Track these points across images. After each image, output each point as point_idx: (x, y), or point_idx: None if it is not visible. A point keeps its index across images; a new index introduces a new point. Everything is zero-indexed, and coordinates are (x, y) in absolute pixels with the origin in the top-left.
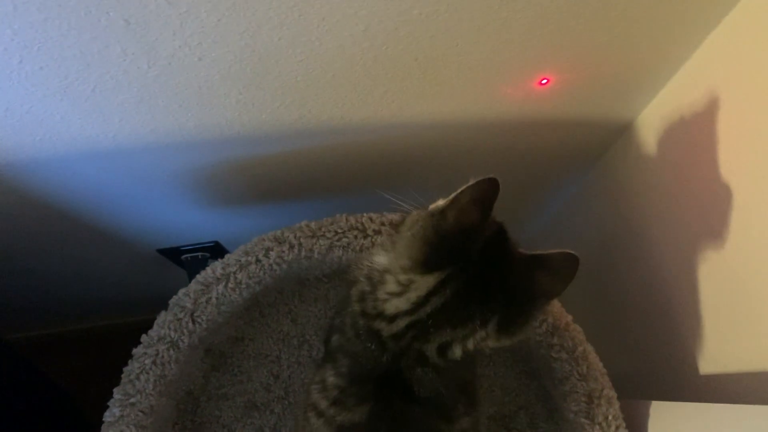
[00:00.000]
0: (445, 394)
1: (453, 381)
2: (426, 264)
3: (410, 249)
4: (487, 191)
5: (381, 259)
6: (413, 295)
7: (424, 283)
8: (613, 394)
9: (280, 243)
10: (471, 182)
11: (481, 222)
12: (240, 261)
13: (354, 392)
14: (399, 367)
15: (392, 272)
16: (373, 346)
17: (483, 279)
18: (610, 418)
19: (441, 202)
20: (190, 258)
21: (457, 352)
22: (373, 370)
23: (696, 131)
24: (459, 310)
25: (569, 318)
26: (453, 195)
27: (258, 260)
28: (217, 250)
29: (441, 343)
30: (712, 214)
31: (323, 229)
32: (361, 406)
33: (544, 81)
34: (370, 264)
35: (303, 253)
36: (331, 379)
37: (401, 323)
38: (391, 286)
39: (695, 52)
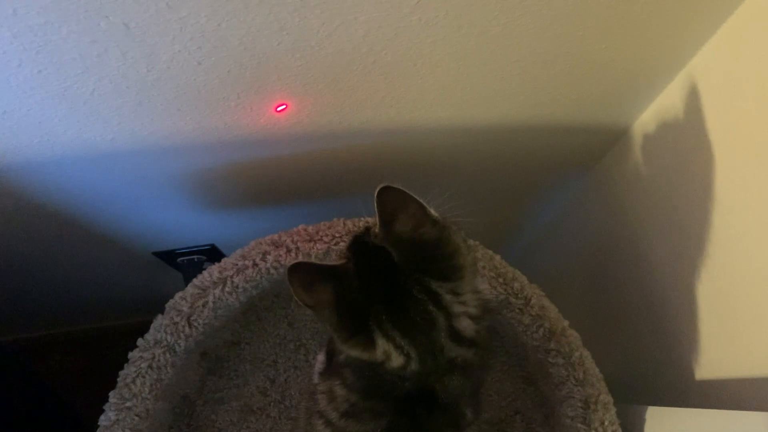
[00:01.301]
0: (466, 396)
1: (477, 379)
2: (366, 343)
3: (349, 347)
4: (302, 276)
5: (345, 354)
6: (393, 353)
7: (382, 347)
8: (609, 399)
9: (277, 247)
10: (287, 275)
11: (334, 280)
12: (237, 265)
13: (368, 407)
14: (428, 382)
15: (364, 356)
16: (395, 380)
17: (392, 290)
18: (606, 423)
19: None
20: (186, 261)
21: (464, 324)
22: (394, 392)
23: (692, 137)
24: (414, 320)
25: (566, 323)
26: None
27: (255, 264)
28: (213, 254)
29: (447, 335)
30: (707, 220)
31: (320, 233)
32: (377, 420)
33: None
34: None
35: (300, 257)
36: (340, 391)
37: (415, 364)
38: (379, 357)
39: (691, 59)
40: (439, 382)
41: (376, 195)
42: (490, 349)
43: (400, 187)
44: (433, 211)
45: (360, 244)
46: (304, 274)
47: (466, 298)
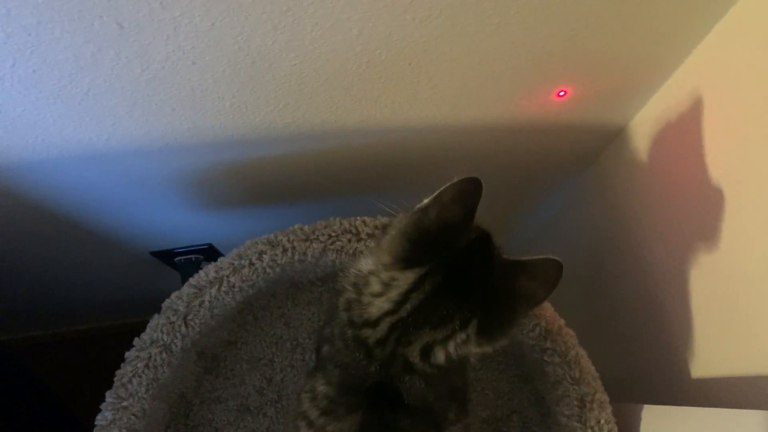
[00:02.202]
0: (433, 403)
1: (442, 388)
2: (406, 260)
3: (391, 246)
4: (470, 191)
5: (366, 262)
6: (394, 293)
7: (405, 279)
8: (605, 397)
9: (273, 246)
10: (454, 180)
11: (464, 221)
12: (233, 264)
13: (344, 402)
14: (389, 376)
15: (376, 273)
16: (361, 356)
17: (463, 278)
18: (602, 421)
19: (426, 201)
20: (184, 260)
21: (439, 355)
22: (363, 381)
23: (687, 136)
24: (438, 308)
25: (562, 322)
26: (436, 193)
27: (251, 263)
28: (210, 253)
29: (423, 346)
30: (703, 218)
31: (317, 233)
32: (352, 416)
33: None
34: (356, 271)
35: (296, 257)
36: (321, 388)
37: (384, 326)
38: (375, 286)
39: (687, 58)
40: (401, 380)
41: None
42: (461, 369)
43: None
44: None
45: (483, 232)
46: (468, 193)
47: (467, 351)
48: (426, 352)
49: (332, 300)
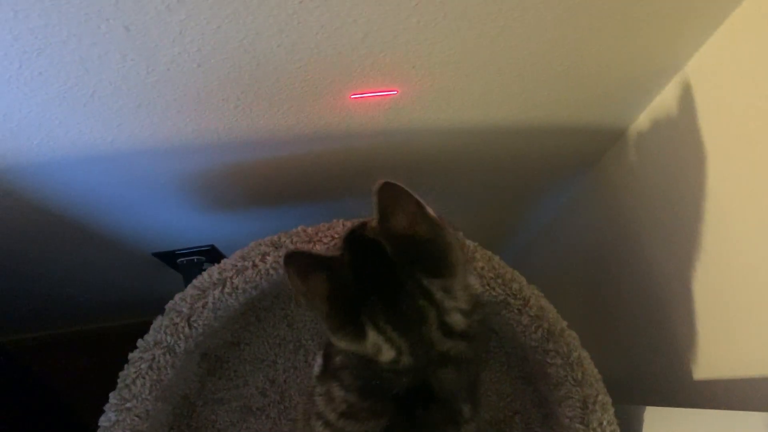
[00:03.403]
0: (462, 390)
1: (472, 373)
2: (349, 323)
3: (328, 323)
4: (299, 265)
5: (339, 343)
6: (384, 347)
7: (373, 338)
8: (607, 399)
9: (276, 248)
10: (284, 261)
11: (328, 270)
12: (236, 266)
13: (367, 407)
14: (423, 379)
15: (354, 350)
16: (391, 375)
17: (385, 281)
18: (604, 423)
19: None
20: (186, 262)
21: (456, 319)
22: (391, 390)
23: (688, 139)
24: (404, 313)
25: (564, 324)
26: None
27: (254, 265)
28: (212, 254)
29: (439, 330)
30: (705, 221)
31: (320, 234)
32: (376, 419)
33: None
34: (341, 354)
35: None
36: (338, 393)
37: (407, 357)
38: (371, 351)
39: (688, 62)
40: (434, 375)
41: (375, 189)
42: (484, 342)
43: (400, 184)
44: (430, 210)
45: (355, 237)
46: (300, 262)
47: (456, 294)
48: (446, 328)
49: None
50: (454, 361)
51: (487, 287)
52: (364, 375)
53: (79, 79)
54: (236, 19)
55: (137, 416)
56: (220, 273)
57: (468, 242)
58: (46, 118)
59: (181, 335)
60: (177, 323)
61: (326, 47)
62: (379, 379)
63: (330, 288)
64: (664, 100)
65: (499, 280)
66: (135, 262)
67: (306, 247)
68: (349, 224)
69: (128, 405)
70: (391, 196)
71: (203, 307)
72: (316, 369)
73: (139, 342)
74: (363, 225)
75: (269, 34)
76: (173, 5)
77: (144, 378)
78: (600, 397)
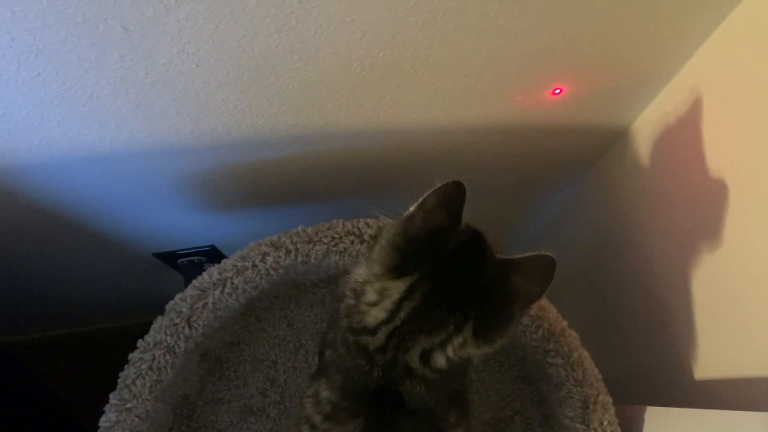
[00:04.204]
0: (434, 406)
1: (443, 393)
2: (396, 269)
3: (381, 256)
4: (453, 194)
5: (361, 271)
6: (388, 303)
7: (396, 288)
8: (608, 399)
9: (276, 248)
10: (437, 185)
11: (451, 225)
12: (236, 266)
13: (346, 407)
14: (390, 380)
15: (370, 282)
16: (363, 362)
17: (454, 282)
18: (605, 423)
19: (411, 209)
20: (187, 262)
21: (439, 360)
22: (366, 386)
23: (690, 138)
24: (432, 313)
25: (565, 323)
26: (420, 199)
27: (254, 265)
28: (213, 254)
29: (422, 351)
30: (705, 220)
31: (320, 234)
32: (354, 420)
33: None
34: (353, 278)
35: (299, 259)
36: (324, 393)
37: (382, 334)
38: (370, 296)
39: (689, 61)
40: (402, 384)
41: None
42: (462, 373)
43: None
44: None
45: (475, 231)
46: (452, 197)
47: (461, 354)
48: (426, 358)
49: (334, 305)
50: (422, 381)
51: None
52: (345, 365)
53: (77, 80)
54: (234, 19)
55: (137, 417)
56: (220, 273)
57: None
58: (44, 118)
59: (181, 335)
60: (177, 324)
61: (324, 47)
62: (355, 368)
63: (434, 231)
64: (664, 100)
65: None
66: (135, 262)
67: (306, 247)
68: (349, 224)
69: (128, 405)
70: (542, 265)
71: (203, 307)
72: (313, 369)
73: (139, 342)
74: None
75: (267, 35)
76: (171, 5)
77: (144, 378)
78: (600, 397)
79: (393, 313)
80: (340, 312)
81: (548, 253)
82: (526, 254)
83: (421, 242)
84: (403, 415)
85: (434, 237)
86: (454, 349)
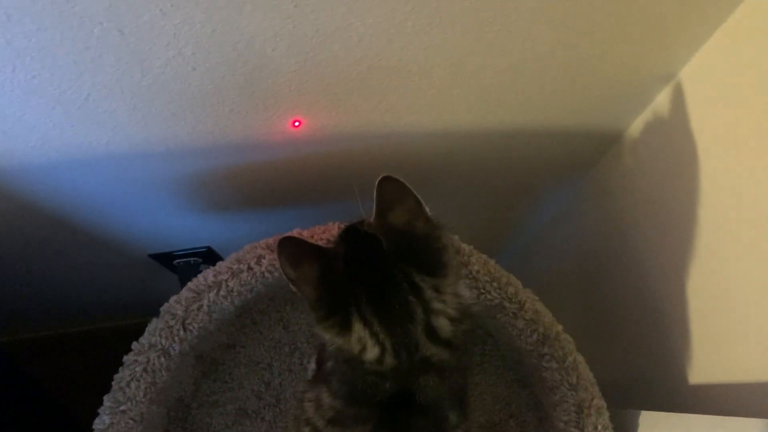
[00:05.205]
0: (443, 401)
1: (455, 382)
2: (335, 312)
3: (324, 330)
4: (290, 251)
5: (321, 334)
6: (368, 342)
7: (358, 331)
8: (602, 403)
9: (272, 251)
10: (277, 251)
11: (319, 261)
12: (232, 268)
13: (352, 414)
14: (406, 384)
15: (336, 341)
16: (374, 378)
17: (374, 279)
18: (599, 427)
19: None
20: (183, 263)
21: (441, 322)
22: (375, 395)
23: (684, 143)
24: (392, 310)
25: (560, 328)
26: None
27: (250, 268)
28: (209, 256)
29: (424, 332)
30: (701, 225)
31: (315, 237)
32: (362, 426)
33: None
34: (326, 343)
35: None
36: (326, 399)
37: (389, 357)
38: (355, 348)
39: (684, 67)
40: (416, 382)
41: (376, 183)
42: (469, 353)
43: (401, 180)
44: (428, 209)
45: (352, 230)
46: (292, 248)
47: (446, 298)
48: (431, 331)
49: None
50: (437, 369)
51: (483, 290)
52: (350, 380)
53: (73, 83)
54: (230, 23)
55: (132, 419)
56: (215, 276)
57: (463, 246)
58: (40, 121)
59: (176, 338)
60: (172, 326)
61: (321, 51)
62: (363, 383)
63: (320, 276)
64: (660, 104)
65: (495, 284)
66: (131, 263)
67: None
68: (343, 227)
69: (122, 408)
70: (391, 190)
71: (198, 309)
72: (309, 374)
73: (134, 345)
74: (362, 221)
75: (264, 38)
76: (167, 9)
77: (138, 381)
78: (595, 402)
79: (378, 341)
80: (333, 353)
81: (382, 177)
82: (375, 200)
83: (324, 291)
84: (413, 414)
85: (325, 278)
86: (435, 301)
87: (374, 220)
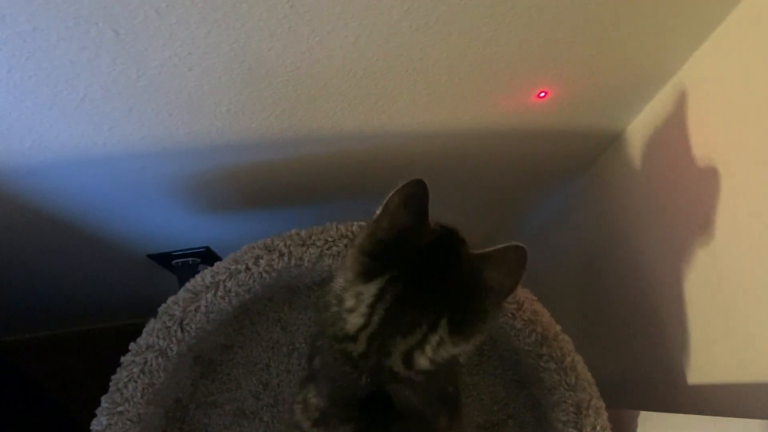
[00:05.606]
0: (423, 409)
1: (432, 394)
2: (366, 273)
3: (351, 261)
4: (416, 193)
5: (340, 278)
6: (363, 307)
7: (368, 291)
8: (601, 404)
9: (269, 251)
10: (399, 185)
11: (417, 224)
12: (229, 269)
13: (336, 413)
14: (378, 385)
15: (346, 289)
16: (349, 369)
17: (426, 281)
18: (598, 428)
19: (378, 211)
20: (181, 263)
21: (421, 361)
22: (354, 393)
23: (683, 142)
24: (404, 314)
25: (558, 328)
26: (384, 201)
27: (248, 268)
28: (207, 256)
29: (403, 354)
30: (700, 224)
31: (313, 238)
32: (344, 426)
33: (542, 94)
34: (334, 286)
35: (293, 262)
36: (313, 399)
37: (362, 340)
38: (348, 302)
39: (683, 66)
40: (388, 386)
41: (512, 244)
42: (451, 373)
43: (527, 253)
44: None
45: (452, 237)
46: (416, 194)
47: (443, 353)
48: (408, 360)
49: (320, 314)
50: (409, 385)
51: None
52: (332, 374)
53: (69, 83)
54: (226, 23)
55: (129, 420)
56: (212, 276)
57: None
58: (36, 121)
59: (174, 339)
60: (169, 327)
61: (318, 51)
62: (341, 376)
63: (402, 229)
64: (659, 104)
65: None
66: (129, 263)
67: (299, 250)
68: (342, 227)
69: (120, 409)
70: (512, 254)
71: (196, 310)
72: (303, 374)
73: (132, 345)
74: (464, 241)
75: (260, 39)
76: (163, 9)
77: (136, 382)
78: (593, 402)
79: (368, 317)
80: (326, 321)
81: (519, 244)
82: (498, 246)
83: (388, 244)
84: (394, 418)
85: (402, 237)
86: (433, 349)
87: (480, 252)
